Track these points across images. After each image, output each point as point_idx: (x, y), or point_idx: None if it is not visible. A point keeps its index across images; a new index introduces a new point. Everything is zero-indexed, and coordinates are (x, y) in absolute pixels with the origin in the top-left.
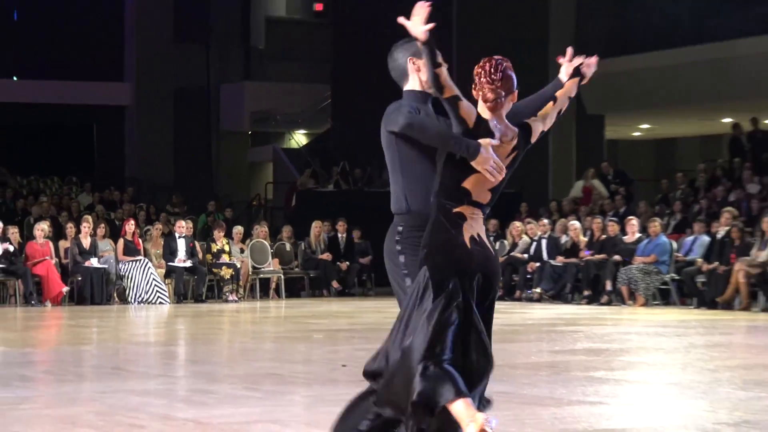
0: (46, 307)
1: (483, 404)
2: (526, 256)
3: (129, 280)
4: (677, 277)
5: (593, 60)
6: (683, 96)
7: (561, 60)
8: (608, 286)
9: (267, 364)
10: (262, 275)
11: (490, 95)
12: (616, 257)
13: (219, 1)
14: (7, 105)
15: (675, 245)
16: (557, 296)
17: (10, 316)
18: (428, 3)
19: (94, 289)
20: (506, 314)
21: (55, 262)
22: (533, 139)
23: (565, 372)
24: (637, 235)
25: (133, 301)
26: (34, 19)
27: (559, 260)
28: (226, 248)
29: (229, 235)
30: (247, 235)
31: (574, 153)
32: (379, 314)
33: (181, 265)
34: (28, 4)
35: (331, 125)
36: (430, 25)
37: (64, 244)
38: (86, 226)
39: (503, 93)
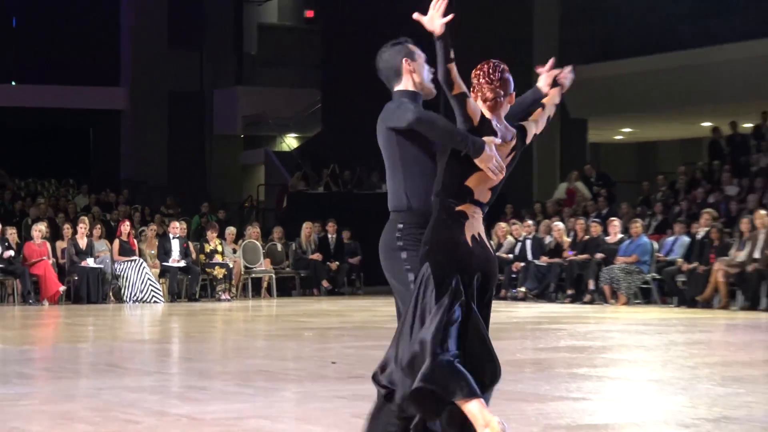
0: (44, 306)
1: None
2: (511, 256)
3: (124, 279)
4: (658, 277)
5: (569, 69)
6: (664, 100)
7: (540, 70)
8: (591, 285)
9: (259, 362)
10: (254, 275)
11: (489, 94)
12: (599, 255)
13: (212, 7)
14: (5, 109)
15: (656, 245)
16: (541, 295)
17: (9, 314)
18: None
19: (91, 289)
20: (492, 313)
21: (52, 262)
22: (528, 141)
23: (549, 369)
24: (619, 235)
25: (128, 300)
26: (32, 25)
27: (543, 260)
28: (219, 248)
29: (221, 235)
30: (239, 235)
31: (558, 156)
32: (367, 313)
33: (175, 265)
34: (26, 11)
35: (322, 129)
36: (449, 17)
37: (61, 244)
38: (83, 227)
39: (502, 93)
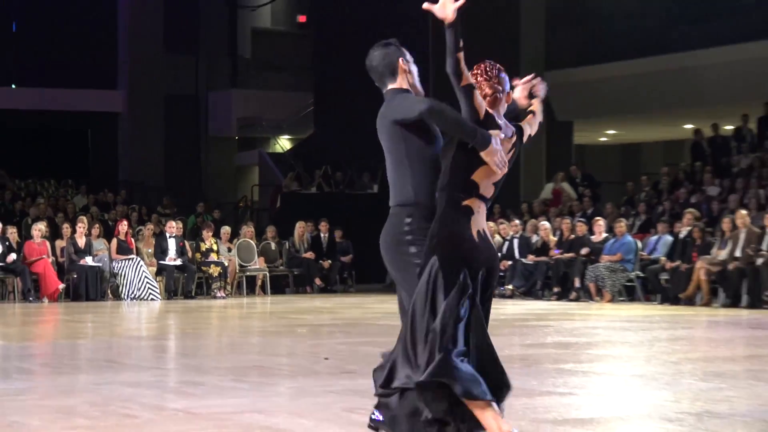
0: (44, 304)
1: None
2: (498, 254)
3: (122, 277)
4: (642, 275)
5: (539, 80)
6: (647, 103)
7: (516, 82)
8: (577, 283)
9: (253, 357)
10: (248, 273)
11: (488, 90)
12: (584, 249)
13: (207, 13)
14: (6, 111)
15: (640, 244)
16: (528, 293)
17: (9, 311)
18: None
19: (89, 286)
20: None
21: (51, 260)
22: (524, 141)
23: (536, 364)
24: (604, 234)
25: (126, 297)
26: (32, 30)
27: (530, 259)
28: (215, 247)
29: (217, 234)
30: (234, 234)
31: (545, 157)
32: (359, 310)
33: (172, 263)
34: (26, 16)
35: (314, 131)
36: (460, 2)
37: (60, 243)
38: (81, 227)
39: (500, 89)
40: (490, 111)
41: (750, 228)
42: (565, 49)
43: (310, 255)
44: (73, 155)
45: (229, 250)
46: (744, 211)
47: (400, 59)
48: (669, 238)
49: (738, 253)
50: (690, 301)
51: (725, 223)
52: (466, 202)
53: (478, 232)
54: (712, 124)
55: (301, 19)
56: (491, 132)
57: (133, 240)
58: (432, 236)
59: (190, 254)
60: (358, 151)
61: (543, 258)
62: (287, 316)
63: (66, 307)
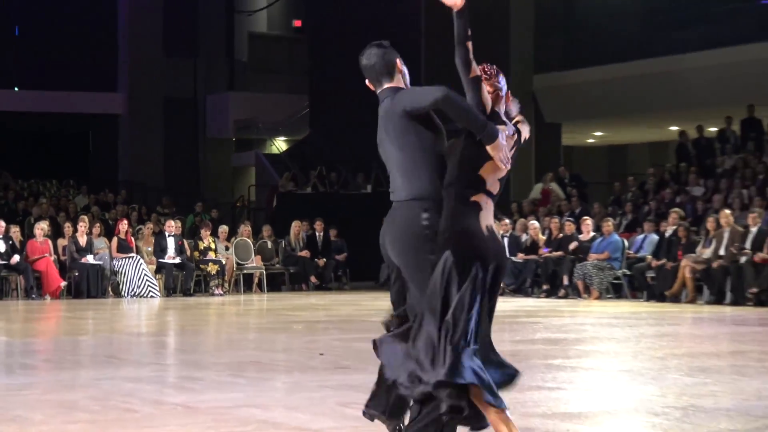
0: (46, 301)
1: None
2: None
3: (122, 275)
4: (628, 273)
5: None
6: (634, 106)
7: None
8: (565, 280)
9: (250, 353)
10: (245, 271)
11: (489, 87)
12: (573, 245)
13: (205, 17)
14: (9, 114)
15: (626, 243)
16: (518, 290)
17: (12, 308)
18: None
19: (90, 284)
20: None
21: (53, 258)
22: (521, 141)
23: (525, 360)
24: (592, 233)
25: (126, 295)
26: (33, 34)
27: (520, 257)
28: (212, 246)
29: (215, 233)
30: (231, 233)
31: (534, 158)
32: (353, 307)
33: (171, 261)
34: (28, 20)
35: (309, 133)
36: None
37: (62, 242)
38: (82, 226)
39: (501, 87)
40: (495, 108)
41: (734, 227)
42: (554, 53)
43: (305, 253)
44: (75, 156)
45: (227, 248)
46: (728, 211)
47: (398, 59)
48: (655, 237)
49: (722, 252)
50: (675, 299)
51: (710, 223)
52: (473, 198)
53: (487, 227)
54: (696, 126)
55: (297, 23)
56: (498, 127)
57: (133, 239)
58: (443, 231)
59: (188, 253)
60: (352, 153)
61: (532, 256)
62: (283, 313)
63: (68, 304)
